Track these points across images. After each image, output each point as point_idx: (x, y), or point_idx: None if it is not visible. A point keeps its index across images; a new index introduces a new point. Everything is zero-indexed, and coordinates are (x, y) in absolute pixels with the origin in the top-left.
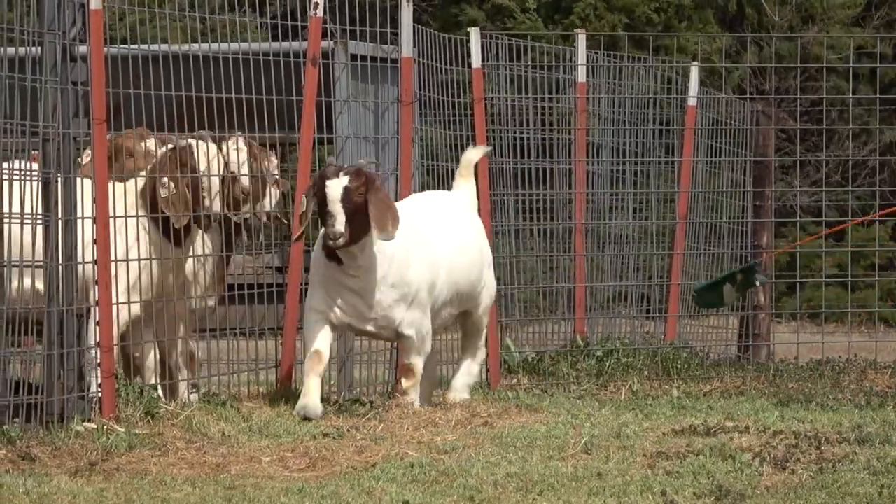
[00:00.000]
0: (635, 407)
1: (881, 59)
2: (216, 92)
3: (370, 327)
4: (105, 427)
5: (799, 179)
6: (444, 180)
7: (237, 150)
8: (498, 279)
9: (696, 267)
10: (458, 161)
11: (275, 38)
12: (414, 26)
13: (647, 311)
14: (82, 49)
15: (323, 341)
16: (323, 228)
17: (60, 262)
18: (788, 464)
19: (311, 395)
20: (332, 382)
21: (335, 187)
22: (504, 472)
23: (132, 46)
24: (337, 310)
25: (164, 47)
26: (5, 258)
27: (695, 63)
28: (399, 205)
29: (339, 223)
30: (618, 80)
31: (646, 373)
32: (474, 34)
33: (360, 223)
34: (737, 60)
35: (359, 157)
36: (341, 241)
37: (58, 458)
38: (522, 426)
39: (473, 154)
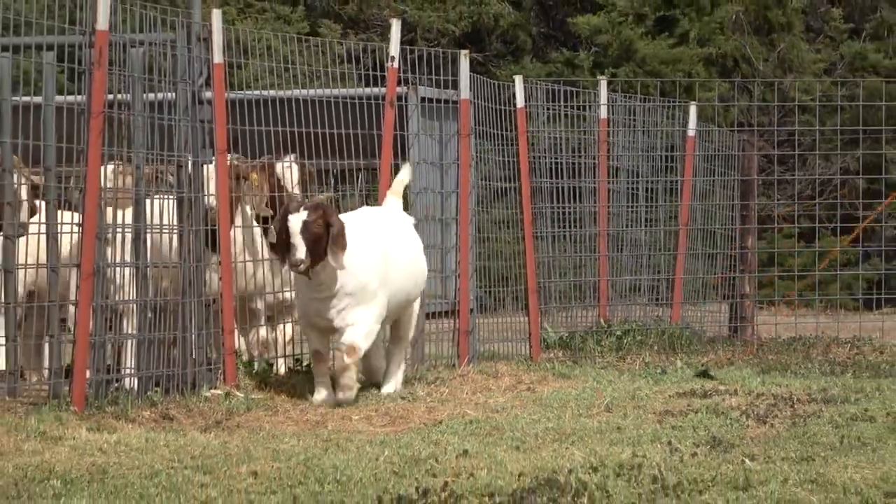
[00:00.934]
0: (647, 375)
1: (841, 99)
2: (315, 128)
3: (333, 325)
4: (228, 393)
5: (777, 194)
6: (496, 197)
7: (290, 170)
8: (538, 275)
9: (695, 264)
10: (507, 181)
11: (361, 85)
12: (470, 75)
13: (657, 300)
14: (208, 94)
15: (319, 342)
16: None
17: (192, 263)
18: (768, 419)
19: (323, 393)
20: (408, 357)
21: (296, 221)
22: (543, 426)
23: (248, 92)
24: (312, 317)
25: (273, 92)
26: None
27: (693, 102)
28: (352, 220)
29: (301, 252)
30: (632, 116)
31: (656, 348)
32: (518, 80)
33: (319, 249)
34: (729, 101)
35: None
36: (302, 267)
37: (190, 417)
38: (557, 390)
39: (405, 175)
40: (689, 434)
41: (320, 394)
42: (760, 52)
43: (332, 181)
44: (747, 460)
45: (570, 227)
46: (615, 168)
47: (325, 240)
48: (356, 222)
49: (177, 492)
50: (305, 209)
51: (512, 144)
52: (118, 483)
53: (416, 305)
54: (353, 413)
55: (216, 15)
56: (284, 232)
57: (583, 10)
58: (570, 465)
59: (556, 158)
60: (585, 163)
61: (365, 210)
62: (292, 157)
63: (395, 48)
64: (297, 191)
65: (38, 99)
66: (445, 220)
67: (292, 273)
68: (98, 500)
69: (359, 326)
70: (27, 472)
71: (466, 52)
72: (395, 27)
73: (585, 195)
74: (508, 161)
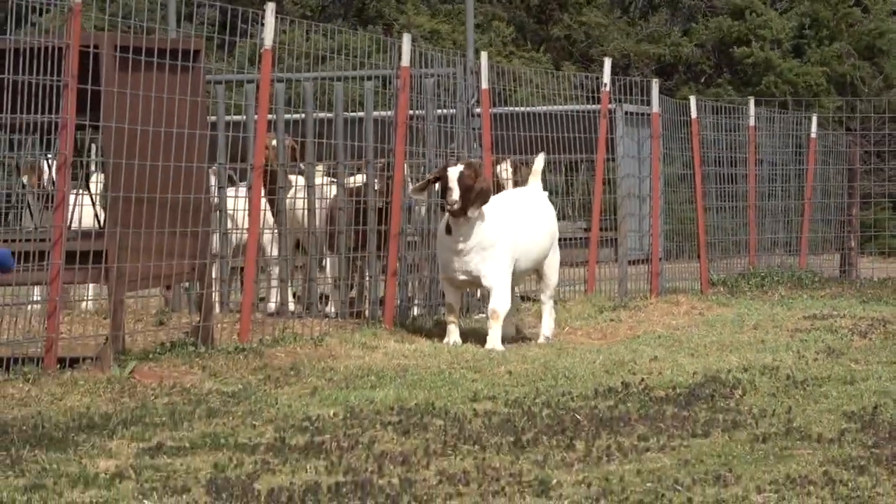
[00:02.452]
0: (782, 304)
1: None
2: (552, 132)
3: (466, 277)
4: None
5: (873, 177)
6: (678, 180)
7: (505, 170)
8: (706, 234)
9: (817, 225)
10: (685, 169)
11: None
12: (659, 96)
13: (789, 251)
14: (477, 110)
15: (453, 296)
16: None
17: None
18: (868, 335)
19: (453, 336)
20: (615, 292)
21: (454, 172)
22: (710, 339)
23: (506, 108)
24: (450, 270)
25: (523, 108)
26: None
27: (814, 114)
28: (496, 197)
29: (455, 194)
30: (772, 123)
31: (788, 285)
32: (693, 99)
33: (467, 199)
34: (843, 112)
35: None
36: (456, 206)
37: (464, 334)
38: (719, 315)
39: (539, 163)
40: (811, 345)
41: (450, 337)
42: (866, 74)
43: (563, 169)
44: (853, 364)
45: (728, 201)
46: (760, 160)
47: (474, 192)
48: (497, 198)
49: (455, 385)
50: (462, 164)
51: (688, 143)
52: (415, 378)
53: (555, 259)
54: (577, 331)
55: (484, 56)
56: (443, 180)
57: (746, 44)
58: (729, 366)
59: (719, 153)
60: (739, 156)
61: (510, 191)
62: (510, 159)
63: (607, 77)
64: (510, 182)
65: (361, 114)
66: (642, 196)
67: (439, 231)
68: (401, 390)
69: (495, 292)
70: (353, 370)
71: (657, 80)
72: (607, 64)
73: (739, 179)
74: (686, 155)
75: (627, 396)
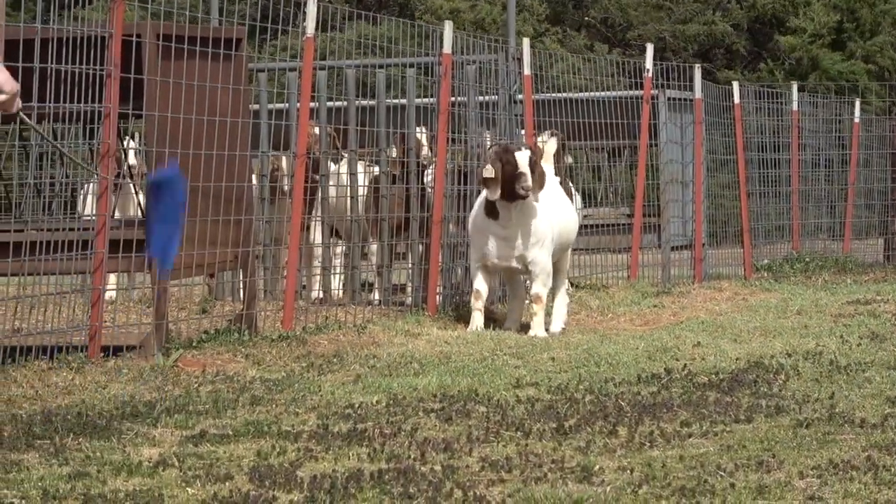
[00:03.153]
0: (826, 289)
1: None
2: (596, 118)
3: (512, 263)
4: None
5: None
6: (721, 165)
7: (544, 142)
8: (750, 219)
9: (860, 210)
10: (728, 154)
11: (626, 88)
12: (702, 81)
13: (833, 236)
14: (519, 96)
15: (482, 283)
16: (497, 191)
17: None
18: None
19: (476, 323)
20: (658, 278)
21: (523, 157)
22: (753, 325)
23: (546, 94)
24: (490, 255)
25: (563, 95)
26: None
27: (858, 99)
28: None
29: (529, 180)
30: (815, 108)
31: (832, 270)
32: (735, 84)
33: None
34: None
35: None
36: (530, 193)
37: (504, 320)
38: (762, 300)
39: (551, 146)
40: (855, 330)
41: (474, 323)
42: None
43: (606, 155)
44: None
45: (771, 185)
46: (803, 144)
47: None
48: None
49: (498, 371)
50: (527, 149)
51: (731, 128)
52: (458, 365)
53: (569, 250)
54: (621, 318)
55: (525, 42)
56: (512, 166)
57: (783, 32)
58: (772, 352)
59: (761, 138)
60: (782, 141)
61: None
62: (548, 133)
63: (649, 63)
64: (551, 160)
65: (403, 101)
66: (685, 182)
67: (475, 215)
68: (444, 377)
69: (540, 277)
70: (396, 357)
71: (699, 65)
72: (650, 49)
73: (782, 164)
74: (728, 140)
75: (670, 382)
